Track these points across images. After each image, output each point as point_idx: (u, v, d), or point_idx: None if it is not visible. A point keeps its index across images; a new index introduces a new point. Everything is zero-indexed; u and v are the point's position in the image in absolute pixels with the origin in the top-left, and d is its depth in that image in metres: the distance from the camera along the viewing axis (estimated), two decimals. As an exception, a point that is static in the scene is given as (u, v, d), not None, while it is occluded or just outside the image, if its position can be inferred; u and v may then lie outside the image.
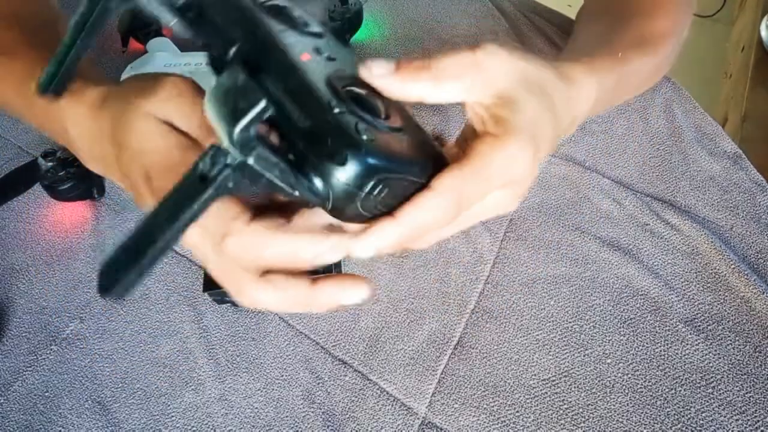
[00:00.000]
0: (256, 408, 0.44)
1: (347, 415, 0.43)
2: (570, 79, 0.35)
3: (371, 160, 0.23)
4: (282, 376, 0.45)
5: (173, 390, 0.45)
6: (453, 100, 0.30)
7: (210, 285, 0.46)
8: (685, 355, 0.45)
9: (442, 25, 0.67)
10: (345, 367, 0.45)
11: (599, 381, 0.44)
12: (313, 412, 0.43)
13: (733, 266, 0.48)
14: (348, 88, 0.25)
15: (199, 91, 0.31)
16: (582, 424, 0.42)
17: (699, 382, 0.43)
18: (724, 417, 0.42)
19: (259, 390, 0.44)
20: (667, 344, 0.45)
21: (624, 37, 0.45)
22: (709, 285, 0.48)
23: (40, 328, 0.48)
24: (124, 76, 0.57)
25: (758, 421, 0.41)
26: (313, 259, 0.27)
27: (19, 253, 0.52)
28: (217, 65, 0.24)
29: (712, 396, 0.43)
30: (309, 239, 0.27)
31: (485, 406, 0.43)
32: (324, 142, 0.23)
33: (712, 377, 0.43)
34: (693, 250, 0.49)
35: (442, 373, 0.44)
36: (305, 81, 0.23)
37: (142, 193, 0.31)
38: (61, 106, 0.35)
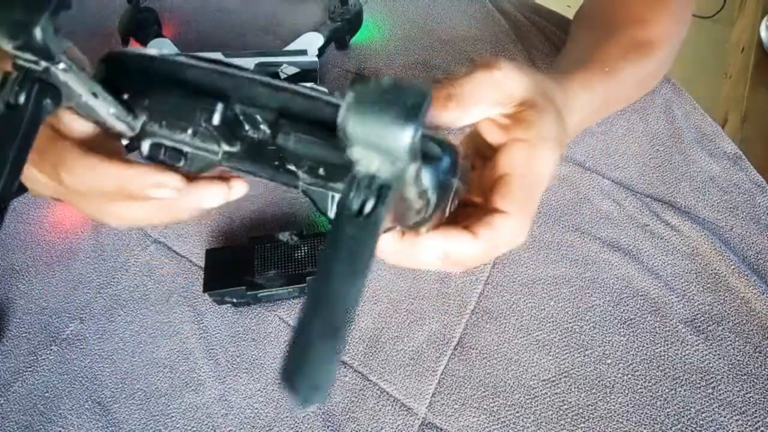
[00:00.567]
0: (256, 408, 0.44)
1: (347, 416, 0.43)
2: (566, 91, 0.36)
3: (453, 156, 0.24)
4: (282, 376, 0.45)
5: (173, 390, 0.45)
6: (478, 119, 0.31)
7: (210, 285, 0.46)
8: (685, 355, 0.44)
9: (442, 26, 0.67)
10: (345, 367, 0.45)
11: (599, 381, 0.44)
12: (312, 412, 0.43)
13: (733, 267, 0.48)
14: None
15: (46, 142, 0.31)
16: (582, 425, 0.42)
17: (699, 383, 0.43)
18: (724, 417, 0.42)
19: (259, 390, 0.44)
20: (667, 344, 0.45)
21: (617, 45, 0.45)
22: (709, 285, 0.48)
23: (40, 329, 0.48)
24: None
25: (758, 421, 0.41)
26: (142, 190, 0.28)
27: (19, 253, 0.52)
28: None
29: (712, 396, 0.43)
30: (137, 170, 0.28)
31: (485, 406, 0.43)
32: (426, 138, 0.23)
33: (712, 377, 0.43)
34: (693, 250, 0.49)
35: (442, 374, 0.44)
36: None
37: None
38: None
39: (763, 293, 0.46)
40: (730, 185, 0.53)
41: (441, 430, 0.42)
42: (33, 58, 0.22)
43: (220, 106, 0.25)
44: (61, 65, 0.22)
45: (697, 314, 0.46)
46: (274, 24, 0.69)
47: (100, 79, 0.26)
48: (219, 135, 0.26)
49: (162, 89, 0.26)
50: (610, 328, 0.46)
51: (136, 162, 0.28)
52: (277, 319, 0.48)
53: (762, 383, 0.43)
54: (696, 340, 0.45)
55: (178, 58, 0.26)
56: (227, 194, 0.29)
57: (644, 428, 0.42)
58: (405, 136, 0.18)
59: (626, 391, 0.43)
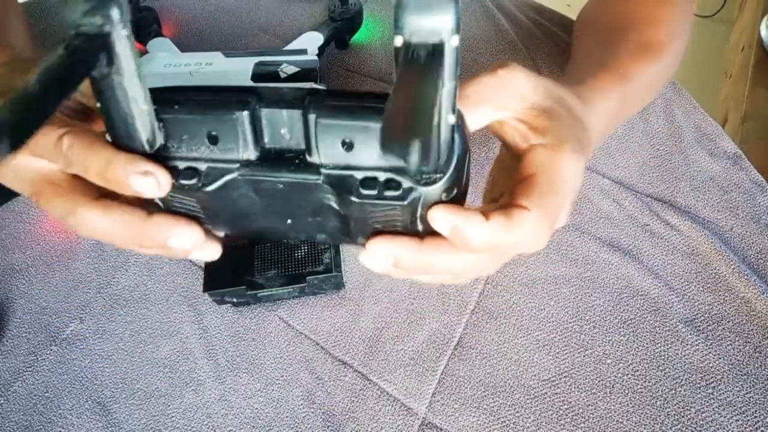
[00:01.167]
0: (256, 408, 0.44)
1: (347, 416, 0.43)
2: (584, 100, 0.36)
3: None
4: (282, 376, 0.45)
5: (173, 390, 0.45)
6: (489, 121, 0.31)
7: (210, 285, 0.46)
8: (685, 355, 0.45)
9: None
10: (345, 367, 0.45)
11: (599, 381, 0.44)
12: (313, 412, 0.43)
13: (733, 267, 0.48)
14: None
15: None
16: (582, 425, 0.42)
17: (699, 382, 0.43)
18: (724, 417, 0.42)
19: (259, 390, 0.44)
20: (667, 344, 0.45)
21: (627, 47, 0.45)
22: (709, 285, 0.48)
23: (40, 329, 0.48)
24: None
25: (758, 421, 0.41)
26: (126, 177, 0.26)
27: (19, 253, 0.52)
28: None
29: (712, 396, 0.43)
30: (126, 156, 0.27)
31: (485, 406, 0.43)
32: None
33: (712, 377, 0.43)
34: (693, 250, 0.49)
35: (442, 374, 0.44)
36: None
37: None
38: None
39: (763, 293, 0.46)
40: (730, 185, 0.53)
41: (441, 430, 0.42)
42: (100, 21, 0.22)
43: (245, 113, 0.26)
44: (125, 31, 0.23)
45: (697, 314, 0.46)
46: (274, 23, 0.69)
47: None
48: (243, 142, 0.26)
49: (182, 105, 0.27)
50: (610, 328, 0.46)
51: (155, 212, 0.28)
52: (277, 319, 0.48)
53: (762, 383, 0.43)
54: (696, 340, 0.45)
55: (188, 87, 0.28)
56: (201, 243, 0.29)
57: (644, 428, 0.42)
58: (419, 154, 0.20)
59: (626, 391, 0.43)
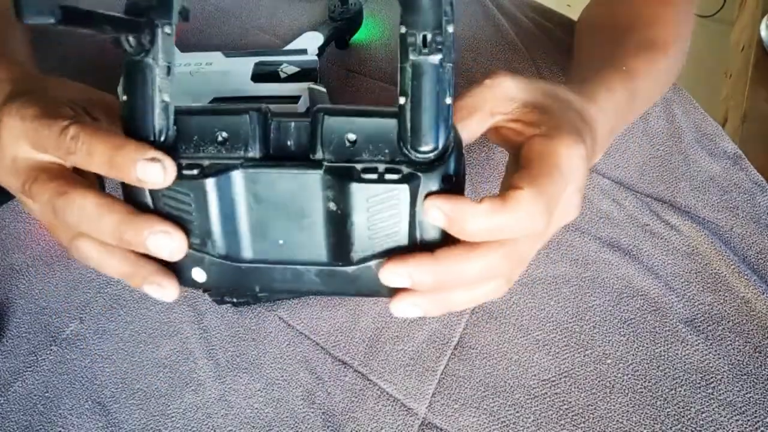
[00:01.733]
0: (256, 408, 0.44)
1: (347, 416, 0.43)
2: (586, 95, 0.36)
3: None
4: (282, 376, 0.45)
5: (173, 390, 0.45)
6: (484, 128, 0.32)
7: (210, 285, 0.46)
8: (685, 355, 0.45)
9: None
10: (345, 367, 0.45)
11: (599, 381, 0.44)
12: (313, 412, 0.43)
13: (733, 266, 0.48)
14: None
15: (54, 112, 0.31)
16: (582, 425, 0.42)
17: (699, 383, 0.43)
18: (724, 417, 0.42)
19: (259, 390, 0.44)
20: (667, 344, 0.45)
21: (629, 45, 0.45)
22: (709, 285, 0.48)
23: (40, 329, 0.48)
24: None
25: (758, 421, 0.41)
26: (133, 162, 0.26)
27: (19, 253, 0.52)
28: None
29: (712, 396, 0.43)
30: (135, 142, 0.27)
31: (485, 406, 0.43)
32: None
33: (712, 377, 0.43)
34: (693, 250, 0.49)
35: (442, 374, 0.44)
36: None
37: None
38: None
39: (763, 293, 0.46)
40: (730, 185, 0.53)
41: (441, 430, 0.42)
42: (152, 17, 0.26)
43: (256, 114, 0.28)
44: (168, 29, 0.27)
45: (697, 314, 0.46)
46: (274, 23, 0.69)
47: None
48: (251, 142, 0.28)
49: (198, 109, 0.29)
50: (610, 328, 0.46)
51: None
52: (277, 319, 0.48)
53: (762, 383, 0.43)
54: (696, 340, 0.45)
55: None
56: (181, 250, 0.29)
57: (644, 428, 0.42)
58: None
59: (626, 391, 0.43)
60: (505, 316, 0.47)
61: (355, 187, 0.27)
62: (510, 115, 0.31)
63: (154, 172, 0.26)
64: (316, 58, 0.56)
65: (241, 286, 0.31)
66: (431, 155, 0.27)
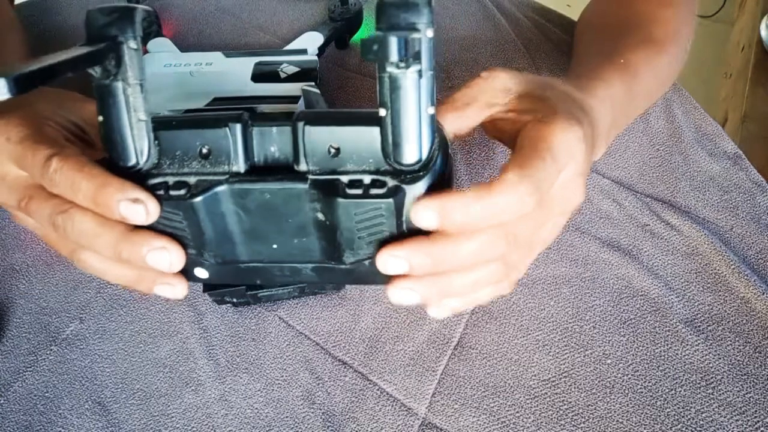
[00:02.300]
0: (256, 408, 0.44)
1: (347, 416, 0.43)
2: (583, 89, 0.36)
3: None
4: (282, 376, 0.45)
5: (173, 390, 0.45)
6: (480, 119, 0.32)
7: (210, 285, 0.46)
8: (685, 355, 0.45)
9: (441, 26, 0.67)
10: (345, 367, 0.45)
11: (599, 381, 0.44)
12: (313, 412, 0.43)
13: (733, 267, 0.48)
14: None
15: (38, 136, 0.31)
16: (582, 425, 0.42)
17: (699, 383, 0.43)
18: (724, 417, 0.42)
19: (259, 390, 0.44)
20: (667, 344, 0.45)
21: (628, 41, 0.45)
22: (709, 285, 0.48)
23: (40, 329, 0.48)
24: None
25: (758, 421, 0.41)
26: (116, 203, 0.27)
27: (19, 253, 0.52)
28: None
29: (712, 396, 0.43)
30: (117, 181, 0.27)
31: (485, 406, 0.43)
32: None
33: (712, 378, 0.43)
34: (693, 250, 0.49)
35: (442, 374, 0.44)
36: None
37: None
38: None
39: (763, 293, 0.46)
40: (730, 185, 0.53)
41: (441, 430, 0.42)
42: (115, 32, 0.26)
43: (238, 125, 0.27)
44: (134, 44, 0.26)
45: (697, 314, 0.46)
46: (273, 23, 0.69)
47: None
48: (234, 155, 0.27)
49: (177, 122, 0.28)
50: (610, 328, 0.46)
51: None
52: (277, 319, 0.48)
53: (762, 383, 0.43)
54: (696, 340, 0.45)
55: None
56: (180, 262, 0.29)
57: (644, 428, 0.42)
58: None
59: (626, 391, 0.43)
60: (505, 316, 0.47)
61: (341, 202, 0.27)
62: (506, 106, 0.31)
63: (136, 212, 0.27)
64: (316, 58, 0.56)
65: (242, 281, 0.31)
66: (415, 166, 0.27)
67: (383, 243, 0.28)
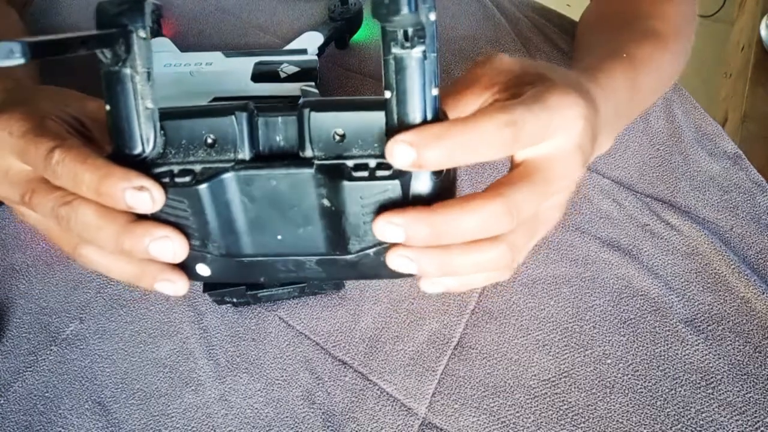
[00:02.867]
0: (256, 408, 0.44)
1: (347, 416, 0.43)
2: (586, 81, 0.35)
3: None
4: (282, 376, 0.45)
5: (173, 390, 0.45)
6: (482, 100, 0.31)
7: (210, 285, 0.46)
8: (685, 355, 0.45)
9: (441, 25, 0.67)
10: (345, 367, 0.45)
11: (599, 381, 0.44)
12: (313, 412, 0.43)
13: (733, 266, 0.48)
14: None
15: (40, 129, 0.31)
16: (582, 425, 0.42)
17: (699, 383, 0.43)
18: (724, 417, 0.42)
19: (259, 390, 0.44)
20: (667, 344, 0.45)
21: (630, 35, 0.45)
22: (709, 285, 0.48)
23: (40, 329, 0.48)
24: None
25: (758, 421, 0.41)
26: (121, 191, 0.27)
27: (19, 253, 0.52)
28: None
29: (712, 396, 0.43)
30: (121, 170, 0.27)
31: (485, 406, 0.43)
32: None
33: (712, 377, 0.43)
34: (693, 250, 0.49)
35: (442, 374, 0.44)
36: None
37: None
38: None
39: (763, 293, 0.46)
40: (730, 185, 0.53)
41: (441, 430, 0.42)
42: (125, 22, 0.26)
43: (244, 114, 0.27)
44: (143, 33, 0.27)
45: (697, 314, 0.46)
46: (273, 23, 0.69)
47: None
48: (239, 143, 0.27)
49: (183, 111, 0.28)
50: (610, 328, 0.46)
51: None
52: (277, 319, 0.48)
53: (762, 383, 0.43)
54: (696, 340, 0.45)
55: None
56: (182, 252, 0.29)
57: (644, 428, 0.42)
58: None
59: (626, 391, 0.43)
60: (505, 316, 0.47)
61: (347, 186, 0.27)
62: (507, 86, 0.31)
63: (141, 200, 0.27)
64: (316, 58, 0.56)
65: (245, 278, 0.31)
66: None
67: None
